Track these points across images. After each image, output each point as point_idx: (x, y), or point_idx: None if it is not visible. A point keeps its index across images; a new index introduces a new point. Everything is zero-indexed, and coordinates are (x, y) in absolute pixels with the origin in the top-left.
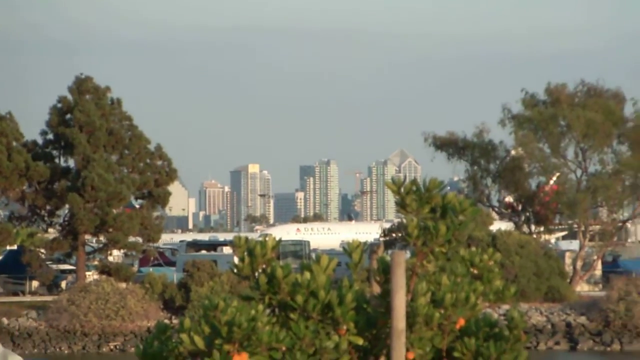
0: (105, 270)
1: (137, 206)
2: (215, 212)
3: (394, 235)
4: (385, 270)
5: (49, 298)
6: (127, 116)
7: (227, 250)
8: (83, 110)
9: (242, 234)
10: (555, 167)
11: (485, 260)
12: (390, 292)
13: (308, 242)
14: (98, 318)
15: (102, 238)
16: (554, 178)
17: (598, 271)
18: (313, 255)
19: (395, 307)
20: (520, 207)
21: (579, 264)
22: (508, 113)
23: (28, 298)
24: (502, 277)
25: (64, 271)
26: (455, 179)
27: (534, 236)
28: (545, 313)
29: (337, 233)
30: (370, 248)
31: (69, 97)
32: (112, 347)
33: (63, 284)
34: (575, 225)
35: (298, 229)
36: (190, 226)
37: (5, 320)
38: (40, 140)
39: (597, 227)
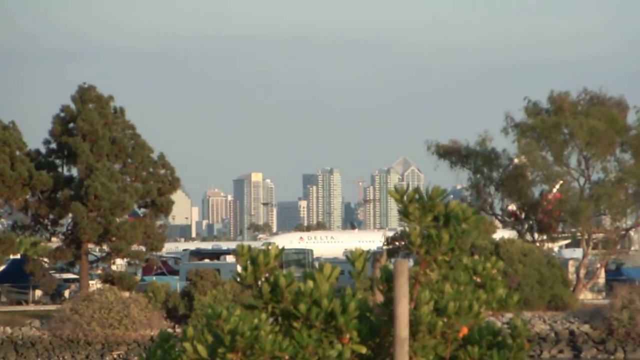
0: (109, 279)
1: (142, 215)
2: (219, 221)
3: (397, 243)
4: (389, 279)
5: (52, 307)
6: (130, 125)
7: (230, 259)
8: (86, 119)
9: (245, 243)
10: (558, 175)
11: (488, 268)
12: (393, 301)
13: (311, 250)
14: (101, 327)
15: (105, 247)
16: (557, 186)
17: (601, 279)
18: (316, 264)
19: (399, 316)
20: (523, 216)
21: (582, 272)
22: (511, 121)
23: (31, 307)
24: (505, 285)
25: (67, 280)
26: (458, 187)
27: (537, 244)
28: (549, 321)
29: (340, 242)
30: (373, 256)
31: (72, 106)
32: (115, 356)
33: (66, 293)
34: (579, 234)
35: (301, 237)
36: (194, 235)
37: (8, 330)
38: (43, 150)
39: (601, 235)
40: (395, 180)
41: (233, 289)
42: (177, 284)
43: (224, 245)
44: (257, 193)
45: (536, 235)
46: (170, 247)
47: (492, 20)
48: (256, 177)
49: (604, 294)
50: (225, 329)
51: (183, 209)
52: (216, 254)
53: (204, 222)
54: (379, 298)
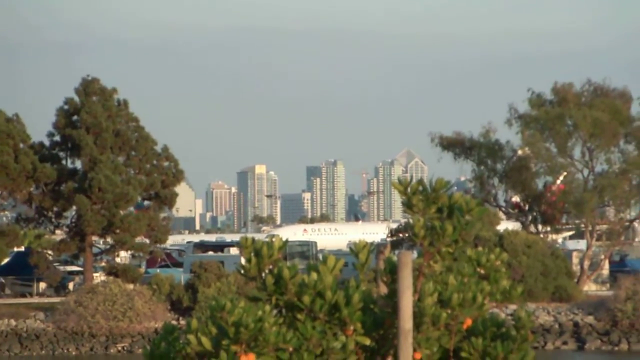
0: (113, 271)
1: (146, 207)
2: (222, 213)
3: (400, 235)
4: (392, 271)
5: (56, 299)
6: (133, 117)
7: (234, 251)
8: (90, 111)
9: (249, 235)
10: (562, 167)
11: (492, 260)
12: (397, 293)
13: (315, 242)
14: (105, 319)
15: (109, 239)
16: (561, 178)
17: (605, 271)
18: (320, 256)
19: (402, 308)
20: (527, 207)
21: (586, 263)
22: (515, 113)
23: (35, 299)
24: (509, 277)
25: (71, 272)
26: (462, 179)
27: (541, 236)
28: (553, 313)
29: (344, 234)
30: (377, 248)
31: (76, 98)
32: (119, 348)
33: (70, 286)
34: (583, 225)
35: (305, 229)
36: (197, 227)
37: (13, 322)
38: (47, 142)
39: (604, 226)
40: (399, 172)
41: (237, 281)
42: (181, 276)
43: (228, 237)
44: (260, 185)
45: (540, 227)
46: (174, 240)
47: (496, 12)
48: (260, 169)
49: (608, 285)
50: (229, 321)
51: (187, 201)
52: (220, 246)
53: (208, 215)
54: (383, 290)
